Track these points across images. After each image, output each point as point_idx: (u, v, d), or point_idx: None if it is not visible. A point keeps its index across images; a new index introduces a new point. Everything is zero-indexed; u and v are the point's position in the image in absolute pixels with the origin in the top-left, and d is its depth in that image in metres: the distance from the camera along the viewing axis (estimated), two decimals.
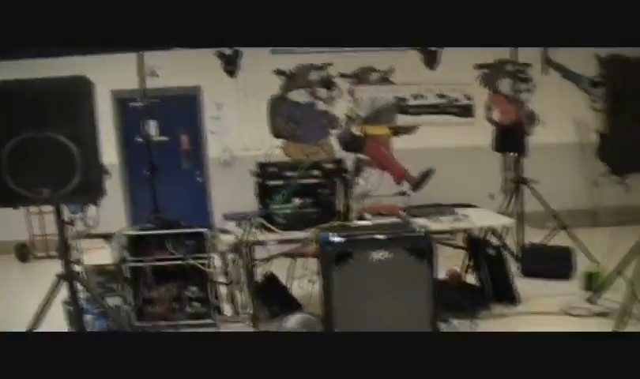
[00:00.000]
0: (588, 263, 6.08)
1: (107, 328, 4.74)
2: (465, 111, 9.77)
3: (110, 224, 5.26)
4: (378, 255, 3.83)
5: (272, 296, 5.24)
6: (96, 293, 4.60)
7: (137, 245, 5.01)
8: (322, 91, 9.56)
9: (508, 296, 5.26)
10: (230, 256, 5.07)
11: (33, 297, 4.17)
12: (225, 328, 4.90)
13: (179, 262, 4.96)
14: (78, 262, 4.66)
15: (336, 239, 3.91)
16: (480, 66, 9.72)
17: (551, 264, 6.18)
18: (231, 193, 8.34)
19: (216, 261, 5.03)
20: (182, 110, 9.38)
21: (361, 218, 5.04)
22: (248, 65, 8.69)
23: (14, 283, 7.74)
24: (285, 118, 9.53)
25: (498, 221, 5.62)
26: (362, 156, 8.99)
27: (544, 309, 5.08)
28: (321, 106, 9.60)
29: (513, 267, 6.23)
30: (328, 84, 9.54)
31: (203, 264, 4.95)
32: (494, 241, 5.75)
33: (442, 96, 9.67)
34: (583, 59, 9.43)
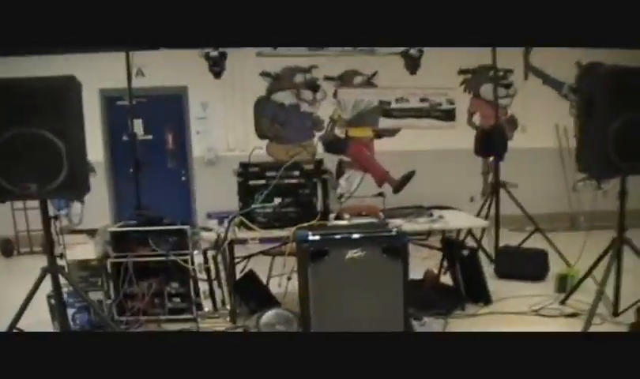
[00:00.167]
0: (562, 265, 6.19)
1: (88, 322, 4.85)
2: (448, 115, 9.95)
3: (94, 221, 5.39)
4: (353, 253, 3.95)
5: (251, 293, 5.33)
6: (79, 287, 4.69)
7: (119, 241, 5.09)
8: (307, 94, 9.71)
9: (481, 296, 5.38)
10: (210, 253, 5.17)
11: (18, 291, 4.25)
12: (204, 323, 5.01)
13: (161, 258, 5.05)
14: (62, 257, 4.76)
15: (313, 237, 4.04)
16: (463, 72, 9.90)
17: (525, 266, 6.29)
18: (214, 192, 8.48)
19: (197, 258, 5.13)
20: (168, 109, 9.49)
21: (339, 218, 5.17)
22: (234, 67, 8.80)
23: None
24: (270, 119, 9.67)
25: (472, 223, 5.77)
26: (345, 158, 9.17)
27: (515, 309, 5.18)
28: (305, 107, 9.76)
29: (489, 268, 6.41)
30: (313, 86, 9.69)
31: (184, 261, 5.06)
32: (471, 243, 5.89)
33: (424, 100, 9.83)
34: (564, 66, 9.60)
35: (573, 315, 4.94)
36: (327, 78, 9.71)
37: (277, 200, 4.90)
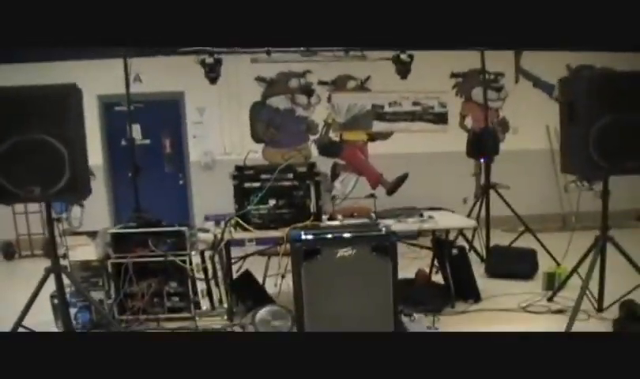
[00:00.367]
0: (552, 264, 6.29)
1: (89, 321, 4.99)
2: (440, 118, 10.09)
3: (93, 224, 5.51)
4: (344, 252, 4.12)
5: (247, 292, 5.48)
6: (81, 286, 4.84)
7: (119, 242, 5.23)
8: (302, 98, 9.84)
9: (470, 293, 5.52)
10: (208, 253, 5.32)
11: (19, 293, 4.43)
12: (202, 321, 5.14)
13: (160, 259, 5.19)
14: (64, 257, 4.91)
15: (305, 237, 4.21)
16: (455, 75, 10.06)
17: (515, 265, 6.43)
18: (211, 195, 8.58)
19: (195, 259, 5.26)
20: (165, 114, 9.60)
21: (332, 218, 5.33)
22: (229, 73, 8.89)
23: (0, 280, 7.91)
24: (265, 123, 9.79)
25: (460, 223, 5.97)
26: (339, 161, 9.30)
27: (504, 306, 5.31)
28: (300, 112, 9.88)
29: (480, 268, 6.57)
30: (307, 91, 9.82)
31: (183, 261, 5.20)
32: (463, 242, 6.03)
33: (417, 104, 9.98)
34: (554, 69, 9.70)
35: (559, 311, 5.07)
36: (321, 83, 9.83)
37: (272, 202, 5.07)
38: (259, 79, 9.66)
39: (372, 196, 6.02)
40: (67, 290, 4.59)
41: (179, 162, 9.88)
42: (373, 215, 5.44)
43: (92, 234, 5.17)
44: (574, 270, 5.17)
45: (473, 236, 7.15)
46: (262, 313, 4.72)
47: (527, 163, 9.93)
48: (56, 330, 4.82)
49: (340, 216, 5.37)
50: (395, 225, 5.11)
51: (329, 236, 4.27)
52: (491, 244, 6.97)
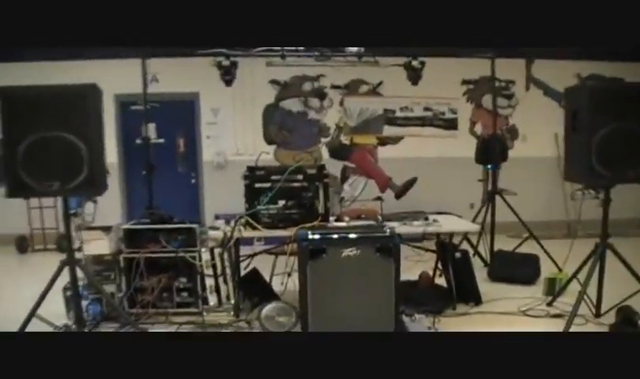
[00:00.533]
0: (554, 270, 6.32)
1: (100, 313, 5.14)
2: (450, 124, 10.22)
3: (106, 220, 5.63)
4: (349, 252, 4.26)
5: (254, 289, 5.57)
6: (94, 279, 4.98)
7: (132, 237, 5.37)
8: (314, 101, 9.98)
9: (471, 296, 5.61)
10: (217, 251, 5.45)
11: (32, 286, 4.62)
12: (209, 316, 5.28)
13: (170, 255, 5.33)
14: (79, 250, 5.06)
15: (312, 236, 4.36)
16: (466, 82, 10.17)
17: (517, 270, 6.51)
18: (223, 195, 8.71)
19: (205, 255, 5.41)
20: (180, 114, 9.74)
21: (340, 220, 5.46)
22: (245, 75, 8.99)
23: (14, 272, 8.08)
24: (278, 125, 9.94)
25: (464, 227, 6.11)
26: (349, 164, 9.41)
27: (504, 309, 5.40)
28: (313, 115, 10.01)
29: (483, 272, 6.67)
30: (320, 94, 9.96)
31: (192, 258, 5.33)
32: (467, 247, 6.13)
33: (428, 109, 10.11)
34: (564, 78, 9.72)
35: (557, 316, 5.17)
36: (334, 87, 9.97)
37: (281, 202, 5.20)
38: (273, 82, 9.81)
39: (379, 199, 6.13)
40: (80, 282, 4.72)
41: (192, 161, 10.03)
42: (379, 217, 5.55)
43: (106, 229, 5.30)
44: (574, 276, 5.25)
45: (478, 241, 7.25)
46: (268, 309, 4.86)
47: (535, 170, 10.04)
48: (67, 321, 4.94)
49: (347, 218, 5.49)
50: (400, 228, 5.24)
51: (335, 236, 4.40)
52: (496, 249, 7.06)
